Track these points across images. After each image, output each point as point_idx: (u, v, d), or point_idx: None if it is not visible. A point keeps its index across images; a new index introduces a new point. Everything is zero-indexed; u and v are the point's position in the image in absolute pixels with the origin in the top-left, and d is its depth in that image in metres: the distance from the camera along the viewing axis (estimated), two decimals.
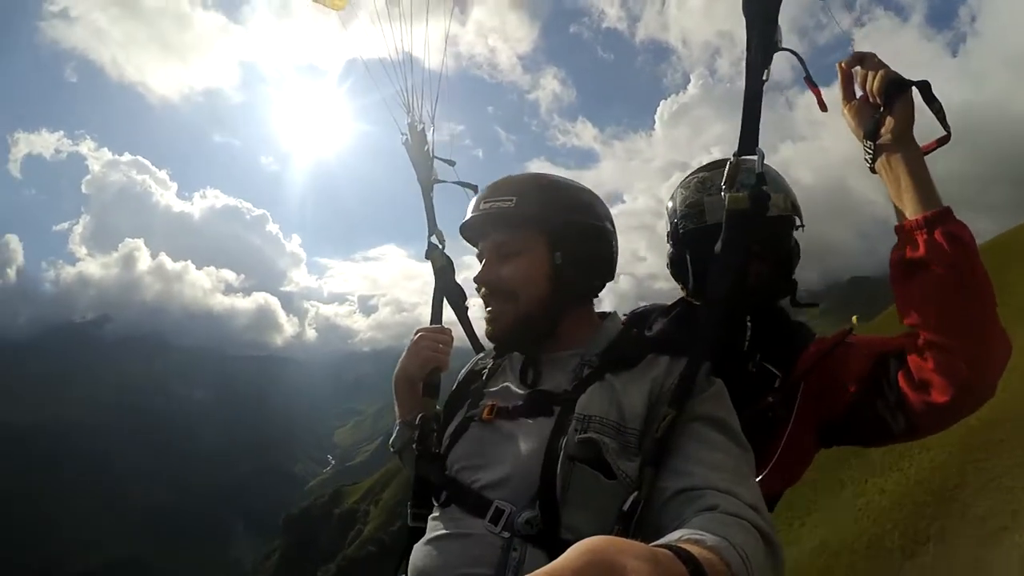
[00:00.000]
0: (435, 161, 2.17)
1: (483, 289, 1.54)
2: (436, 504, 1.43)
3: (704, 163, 1.94)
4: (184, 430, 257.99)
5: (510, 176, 1.59)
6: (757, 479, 1.35)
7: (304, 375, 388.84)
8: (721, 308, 1.37)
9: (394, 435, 1.78)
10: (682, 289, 1.95)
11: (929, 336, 1.36)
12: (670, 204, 1.95)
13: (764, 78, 1.40)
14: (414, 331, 1.84)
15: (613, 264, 1.60)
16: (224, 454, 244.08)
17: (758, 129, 1.42)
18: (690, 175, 1.93)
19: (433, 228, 2.08)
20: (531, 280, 1.48)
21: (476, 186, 1.98)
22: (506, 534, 1.23)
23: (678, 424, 1.23)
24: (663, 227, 2.01)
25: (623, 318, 1.76)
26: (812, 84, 1.49)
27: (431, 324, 1.92)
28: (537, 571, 0.57)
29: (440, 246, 2.05)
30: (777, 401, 1.56)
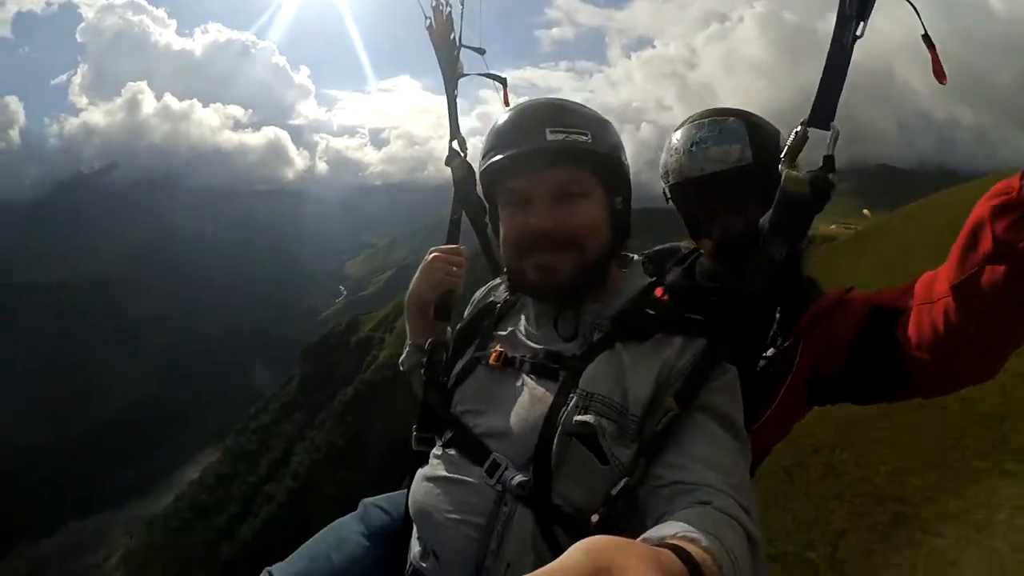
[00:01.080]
0: (462, 51, 1.96)
1: (528, 235, 1.38)
2: (439, 440, 1.45)
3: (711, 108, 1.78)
4: (199, 270, 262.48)
5: (559, 103, 1.39)
6: (752, 430, 1.35)
7: (315, 209, 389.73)
8: (754, 300, 1.31)
9: (404, 355, 1.78)
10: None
11: (963, 326, 1.15)
12: (674, 140, 1.79)
13: (858, 33, 1.25)
14: (428, 251, 1.73)
15: None
16: (239, 291, 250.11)
17: (838, 98, 1.27)
18: (683, 123, 1.78)
19: (456, 131, 1.91)
20: (598, 226, 1.38)
21: (505, 79, 1.89)
22: (500, 487, 1.25)
23: (681, 413, 1.21)
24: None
25: (641, 259, 1.67)
26: (930, 44, 1.29)
27: (447, 243, 1.79)
28: (537, 571, 0.57)
29: (462, 153, 1.90)
30: (778, 357, 1.50)
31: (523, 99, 1.39)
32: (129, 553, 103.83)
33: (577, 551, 0.60)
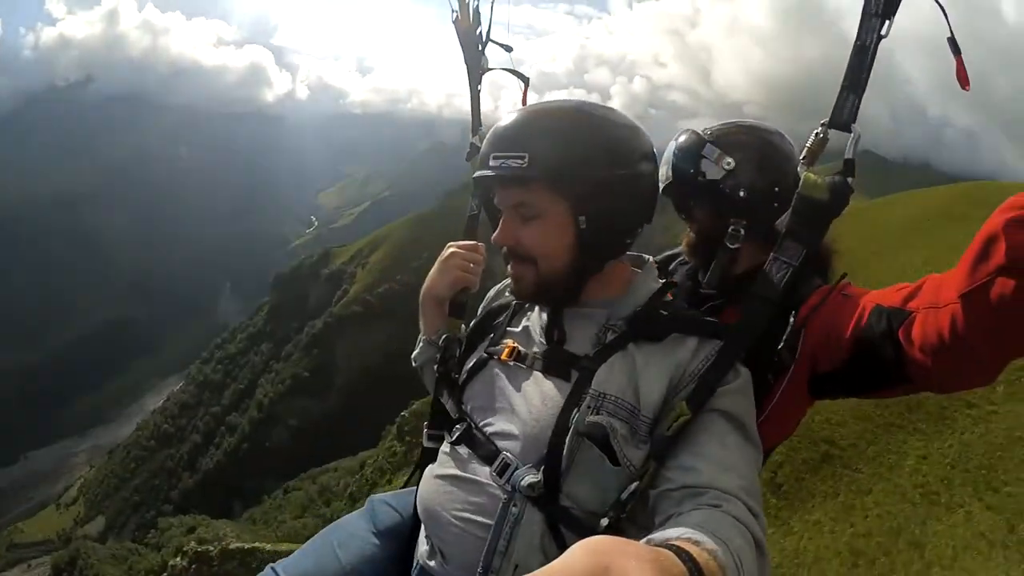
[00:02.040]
0: (489, 46, 1.96)
1: (504, 248, 1.45)
2: (448, 437, 1.46)
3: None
4: (170, 192, 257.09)
5: (523, 118, 1.41)
6: (759, 426, 1.39)
7: (292, 135, 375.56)
8: (770, 307, 1.31)
9: (417, 350, 1.78)
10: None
11: (967, 335, 1.15)
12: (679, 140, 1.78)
13: (882, 33, 1.23)
14: (446, 246, 1.75)
15: (650, 207, 1.47)
16: (210, 215, 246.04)
17: (860, 99, 1.26)
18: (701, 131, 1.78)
19: (478, 126, 1.92)
20: (551, 246, 1.38)
21: (527, 79, 1.89)
22: (509, 487, 1.26)
23: (693, 417, 1.21)
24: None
25: (654, 262, 1.69)
26: (956, 49, 1.25)
27: (465, 239, 1.80)
28: (537, 572, 0.58)
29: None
30: (782, 349, 1.47)
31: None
32: (88, 483, 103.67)
33: (577, 551, 0.61)
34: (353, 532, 1.60)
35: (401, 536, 1.57)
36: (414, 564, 1.44)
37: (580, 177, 1.33)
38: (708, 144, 1.65)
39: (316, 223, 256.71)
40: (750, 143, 1.70)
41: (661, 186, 1.67)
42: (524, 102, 1.86)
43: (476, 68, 1.92)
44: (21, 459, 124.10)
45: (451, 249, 1.73)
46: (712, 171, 1.65)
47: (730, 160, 1.64)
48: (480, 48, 1.92)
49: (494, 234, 1.45)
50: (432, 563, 1.36)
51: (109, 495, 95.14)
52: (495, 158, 1.36)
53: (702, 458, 1.14)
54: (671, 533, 0.86)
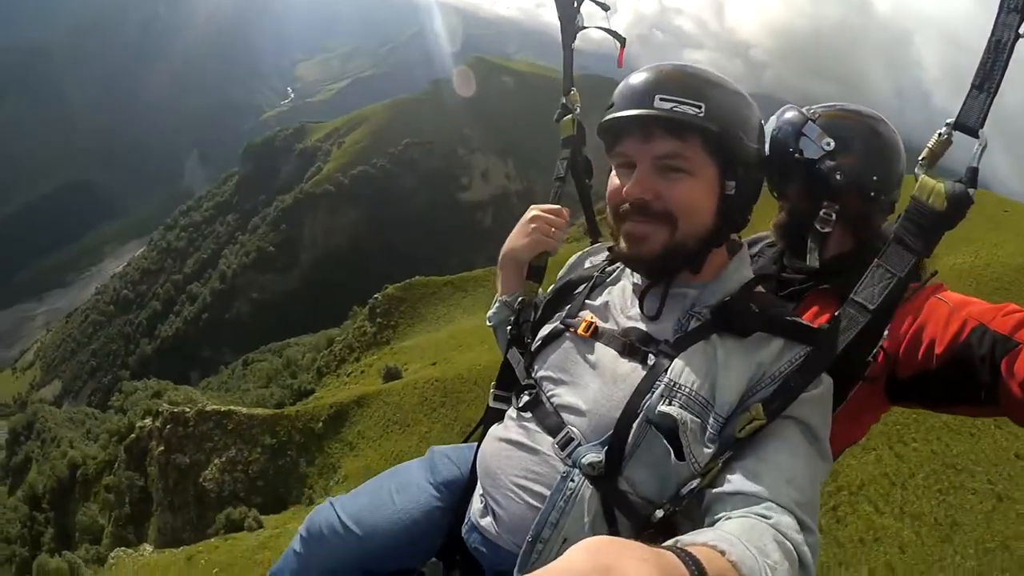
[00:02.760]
0: (585, 4, 1.86)
1: (627, 203, 1.33)
2: (515, 402, 1.45)
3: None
4: (145, 52, 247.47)
5: (684, 69, 1.32)
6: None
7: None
8: (866, 317, 1.21)
9: (492, 310, 1.77)
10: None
11: None
12: (787, 116, 1.72)
13: (1021, 32, 1.13)
14: (529, 207, 1.71)
15: (761, 188, 1.44)
16: (184, 76, 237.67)
17: (991, 102, 1.16)
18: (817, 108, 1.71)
19: (569, 87, 1.84)
20: (699, 208, 1.30)
21: (624, 39, 1.84)
22: (570, 462, 1.25)
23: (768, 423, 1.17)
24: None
25: (747, 250, 1.61)
26: None
27: (550, 203, 1.73)
28: (537, 571, 0.58)
29: (574, 110, 1.82)
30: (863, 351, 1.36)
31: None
32: (44, 347, 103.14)
33: (578, 551, 0.61)
34: (411, 480, 1.62)
35: (457, 490, 1.55)
36: (466, 519, 1.44)
37: (741, 139, 1.29)
38: (810, 122, 1.62)
39: (292, 95, 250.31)
40: (854, 127, 1.63)
41: None
42: (620, 63, 1.79)
43: (570, 25, 1.82)
44: None
45: (534, 212, 1.68)
46: (811, 150, 1.60)
47: (830, 140, 1.58)
48: (575, 5, 1.82)
49: (627, 185, 1.31)
50: (484, 522, 1.36)
51: (66, 359, 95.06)
52: (663, 99, 1.25)
53: (768, 465, 1.11)
54: (700, 537, 0.85)
